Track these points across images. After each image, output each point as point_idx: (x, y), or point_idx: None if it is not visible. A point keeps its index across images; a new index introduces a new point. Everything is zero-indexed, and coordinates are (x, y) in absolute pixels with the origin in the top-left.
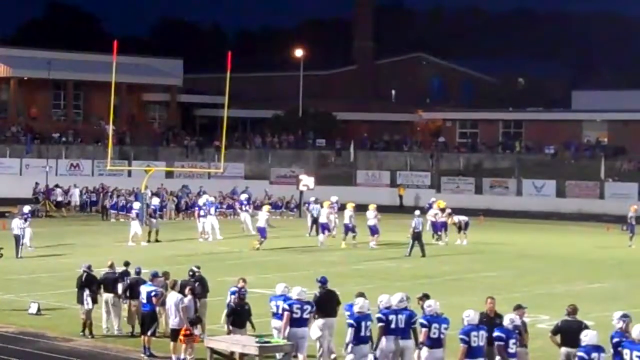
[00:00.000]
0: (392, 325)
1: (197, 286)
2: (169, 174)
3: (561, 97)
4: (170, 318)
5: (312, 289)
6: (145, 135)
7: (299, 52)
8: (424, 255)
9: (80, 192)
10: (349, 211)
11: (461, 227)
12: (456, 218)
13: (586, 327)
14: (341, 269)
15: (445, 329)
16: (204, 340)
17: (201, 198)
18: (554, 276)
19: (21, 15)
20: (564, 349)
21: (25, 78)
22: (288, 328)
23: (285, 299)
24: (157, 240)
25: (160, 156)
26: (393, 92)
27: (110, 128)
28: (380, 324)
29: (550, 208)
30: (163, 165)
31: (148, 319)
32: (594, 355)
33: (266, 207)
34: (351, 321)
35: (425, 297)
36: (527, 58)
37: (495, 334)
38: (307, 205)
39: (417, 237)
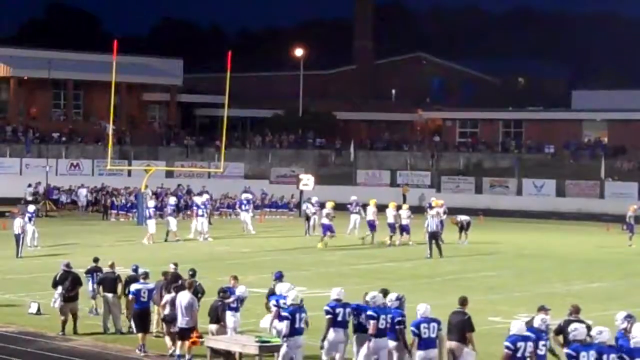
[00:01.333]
0: (339, 318)
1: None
2: (169, 174)
3: (561, 97)
4: (180, 317)
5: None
6: (145, 135)
7: (299, 52)
8: (441, 256)
9: (89, 192)
10: (371, 208)
11: (463, 227)
12: (458, 218)
13: (588, 328)
14: (341, 268)
15: (397, 320)
16: (204, 340)
17: (200, 197)
18: (554, 276)
19: (21, 15)
20: (566, 350)
21: (25, 78)
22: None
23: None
24: (165, 240)
25: (160, 156)
26: (393, 91)
27: (110, 128)
28: (328, 316)
29: (550, 208)
30: (163, 165)
31: (145, 317)
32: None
33: (330, 204)
34: (286, 314)
35: (384, 292)
36: (527, 58)
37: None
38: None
39: (432, 236)
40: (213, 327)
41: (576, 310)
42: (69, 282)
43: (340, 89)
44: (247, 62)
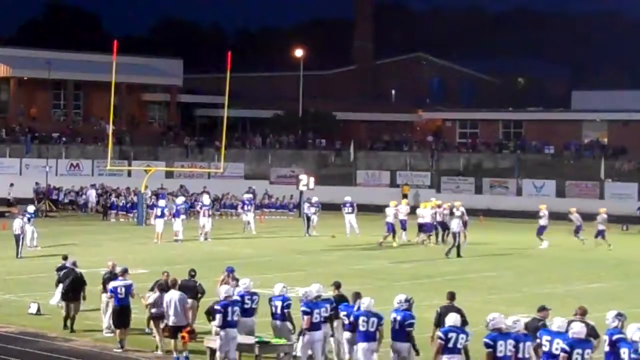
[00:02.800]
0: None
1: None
2: (169, 174)
3: (561, 97)
4: (170, 315)
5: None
6: (145, 135)
7: (299, 52)
8: (459, 255)
9: (98, 193)
10: (391, 209)
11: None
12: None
13: (593, 330)
14: (339, 269)
15: (408, 323)
16: (204, 340)
17: (207, 197)
18: (553, 276)
19: (21, 15)
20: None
21: (25, 78)
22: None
23: (284, 299)
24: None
25: (160, 156)
26: (393, 92)
27: (110, 128)
28: (306, 317)
29: (550, 208)
30: (163, 165)
31: (124, 313)
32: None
33: (393, 203)
34: (219, 307)
35: (336, 286)
36: (527, 58)
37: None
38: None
39: (455, 237)
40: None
41: (583, 312)
42: (69, 281)
43: (340, 89)
44: (247, 62)
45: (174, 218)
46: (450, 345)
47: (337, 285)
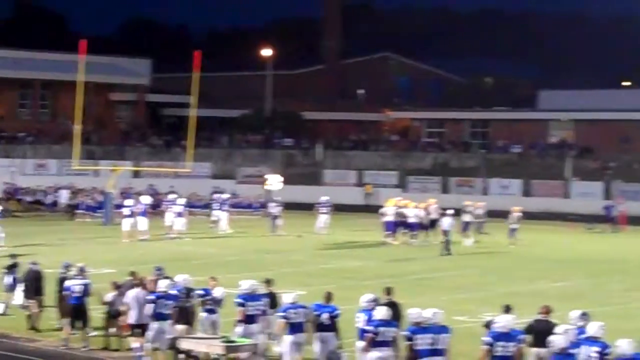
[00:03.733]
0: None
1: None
2: (136, 174)
3: (528, 97)
4: (131, 313)
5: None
6: (112, 135)
7: (266, 52)
8: (449, 253)
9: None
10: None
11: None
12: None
13: (554, 328)
14: (307, 268)
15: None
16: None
17: (177, 196)
18: (518, 275)
19: None
20: (534, 349)
21: None
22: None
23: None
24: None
25: (128, 156)
26: (361, 91)
27: (77, 127)
28: (240, 309)
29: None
30: (130, 164)
31: (79, 312)
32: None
33: (391, 202)
34: (152, 297)
35: (267, 282)
36: (495, 58)
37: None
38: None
39: (446, 235)
40: (180, 327)
41: (547, 311)
42: (30, 279)
43: (307, 89)
44: (214, 62)
45: (140, 217)
46: (381, 338)
47: (268, 282)
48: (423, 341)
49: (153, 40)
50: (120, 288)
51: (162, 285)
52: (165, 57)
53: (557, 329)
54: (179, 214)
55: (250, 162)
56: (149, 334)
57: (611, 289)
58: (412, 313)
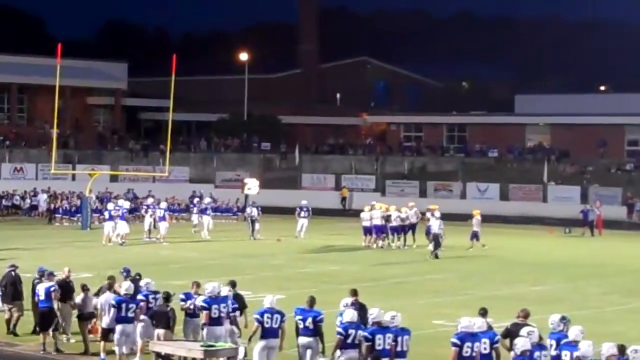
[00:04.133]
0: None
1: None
2: (114, 178)
3: (505, 101)
4: (103, 317)
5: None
6: (89, 139)
7: (243, 56)
8: (437, 257)
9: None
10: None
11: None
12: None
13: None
14: (287, 272)
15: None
16: (149, 344)
17: (147, 199)
18: (497, 278)
19: None
20: (513, 353)
21: None
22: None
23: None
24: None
25: (105, 160)
26: (338, 95)
27: (55, 131)
28: (204, 312)
29: (493, 211)
30: (108, 168)
31: (47, 316)
32: (537, 353)
33: (367, 207)
34: (113, 302)
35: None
36: (471, 62)
37: None
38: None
39: (435, 238)
40: (160, 331)
41: (525, 315)
42: (8, 283)
43: (285, 93)
44: (192, 66)
45: (120, 221)
46: (349, 340)
47: (233, 284)
48: (383, 341)
49: (130, 44)
50: (88, 292)
51: (124, 288)
52: (142, 61)
53: (521, 331)
54: (162, 218)
55: (228, 166)
56: (115, 337)
57: (588, 292)
58: (372, 313)
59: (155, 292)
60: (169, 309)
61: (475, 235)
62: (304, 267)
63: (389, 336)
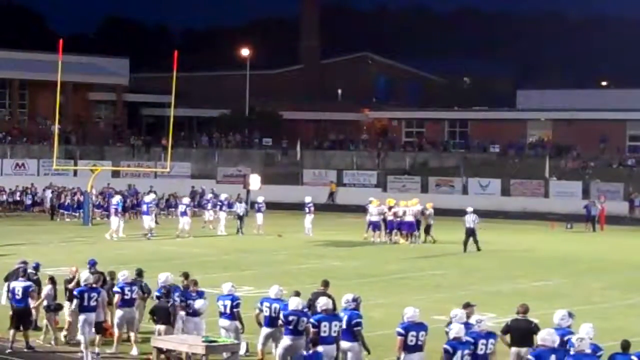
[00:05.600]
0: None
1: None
2: (116, 174)
3: (506, 97)
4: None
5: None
6: (91, 135)
7: (245, 52)
8: (479, 249)
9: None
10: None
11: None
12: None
13: (536, 327)
14: (288, 268)
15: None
16: (150, 340)
17: (147, 196)
18: (499, 274)
19: None
20: (514, 349)
21: None
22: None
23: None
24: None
25: (107, 155)
26: (339, 91)
27: (56, 127)
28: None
29: (495, 207)
30: (109, 164)
31: (23, 315)
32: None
33: (375, 202)
34: (76, 293)
35: (185, 276)
36: (473, 57)
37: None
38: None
39: (470, 233)
40: (161, 327)
41: (524, 310)
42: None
43: (286, 89)
44: (193, 61)
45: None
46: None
47: (186, 276)
48: (327, 328)
49: (132, 39)
50: (55, 284)
51: (83, 278)
52: (143, 56)
53: (471, 318)
54: (184, 213)
55: (230, 162)
56: (79, 325)
57: (590, 287)
58: (320, 302)
59: (132, 284)
60: (169, 304)
61: (429, 228)
62: (306, 263)
63: (334, 323)
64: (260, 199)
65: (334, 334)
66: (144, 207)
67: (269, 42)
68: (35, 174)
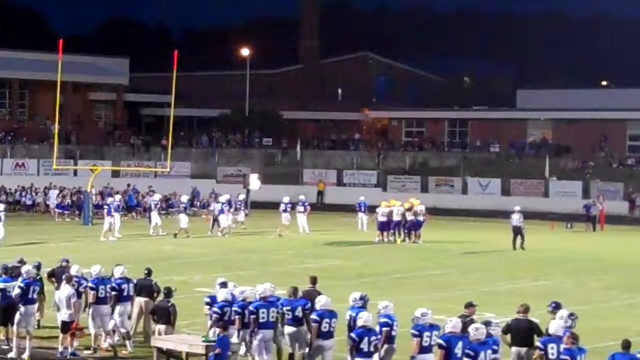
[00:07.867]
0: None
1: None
2: (116, 174)
3: (506, 96)
4: (62, 311)
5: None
6: (91, 135)
7: (245, 51)
8: (523, 248)
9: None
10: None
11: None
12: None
13: (537, 327)
14: (288, 267)
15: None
16: (150, 340)
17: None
18: (499, 273)
19: None
20: (514, 349)
21: None
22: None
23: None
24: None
25: (107, 155)
26: (339, 91)
27: (56, 127)
28: (92, 292)
29: (495, 206)
30: (109, 164)
31: (6, 313)
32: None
33: (384, 203)
34: (21, 284)
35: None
36: (473, 57)
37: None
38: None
39: (517, 231)
40: (161, 327)
41: (525, 309)
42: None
43: (286, 88)
44: (193, 61)
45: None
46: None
47: (148, 272)
48: (327, 324)
49: (132, 39)
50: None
51: (23, 271)
52: (143, 56)
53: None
54: (221, 211)
55: (230, 162)
56: (17, 317)
57: (590, 287)
58: (320, 302)
59: (86, 279)
60: (169, 304)
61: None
62: (306, 263)
63: (326, 320)
64: (301, 197)
65: (332, 329)
66: (153, 206)
67: (269, 42)
68: (35, 173)
